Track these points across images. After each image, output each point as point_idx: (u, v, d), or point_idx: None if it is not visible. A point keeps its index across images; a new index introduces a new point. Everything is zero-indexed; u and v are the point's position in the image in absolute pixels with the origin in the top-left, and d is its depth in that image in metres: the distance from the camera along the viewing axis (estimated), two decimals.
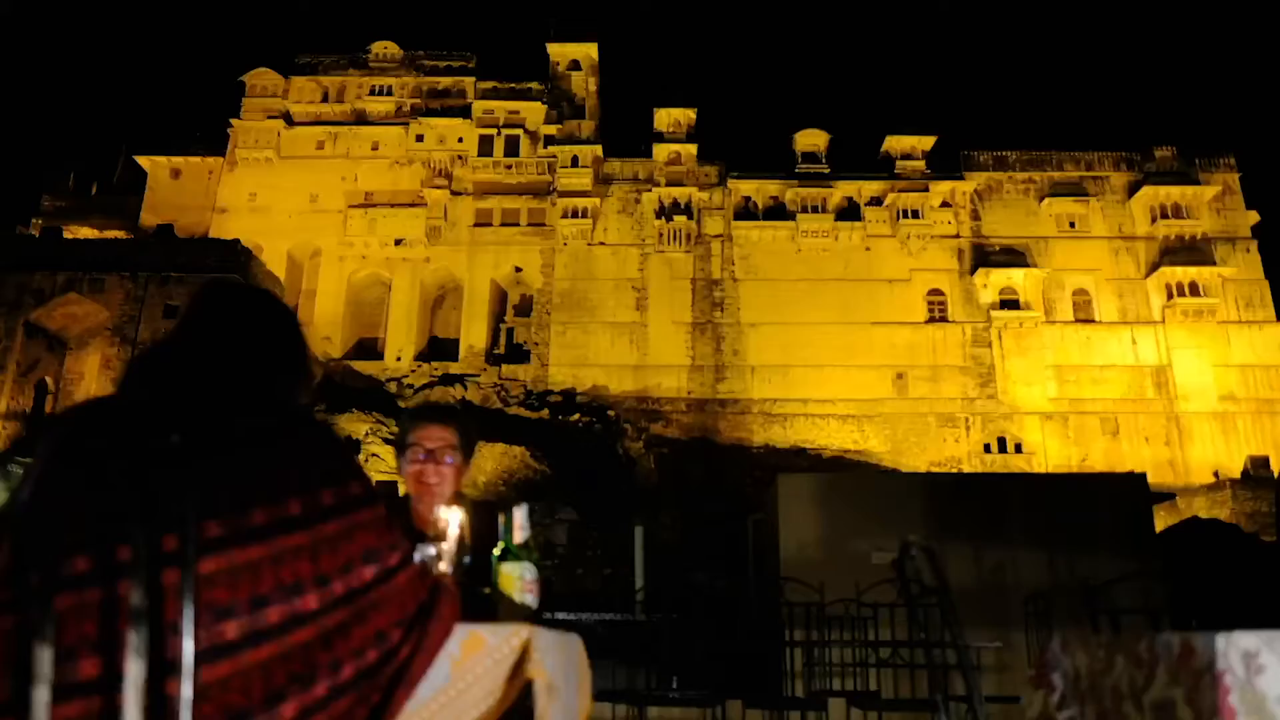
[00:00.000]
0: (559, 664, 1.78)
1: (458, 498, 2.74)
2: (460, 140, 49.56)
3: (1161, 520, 29.41)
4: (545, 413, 42.05)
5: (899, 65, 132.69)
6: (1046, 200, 47.72)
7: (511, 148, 49.64)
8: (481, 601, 2.07)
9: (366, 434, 38.91)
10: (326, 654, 1.34)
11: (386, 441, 38.43)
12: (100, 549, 1.25)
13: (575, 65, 52.63)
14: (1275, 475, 36.56)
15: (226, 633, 1.25)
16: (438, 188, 48.36)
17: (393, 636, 1.45)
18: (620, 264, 47.37)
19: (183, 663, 1.20)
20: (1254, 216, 47.85)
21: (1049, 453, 42.72)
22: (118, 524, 1.25)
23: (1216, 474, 40.06)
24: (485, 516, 2.56)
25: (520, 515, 2.11)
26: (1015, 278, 45.67)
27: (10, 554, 1.26)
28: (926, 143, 49.04)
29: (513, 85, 51.41)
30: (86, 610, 1.23)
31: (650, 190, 48.18)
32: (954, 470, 40.39)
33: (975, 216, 47.90)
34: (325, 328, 46.44)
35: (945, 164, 49.05)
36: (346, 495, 1.44)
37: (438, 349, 47.49)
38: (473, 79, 51.41)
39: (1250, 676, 1.37)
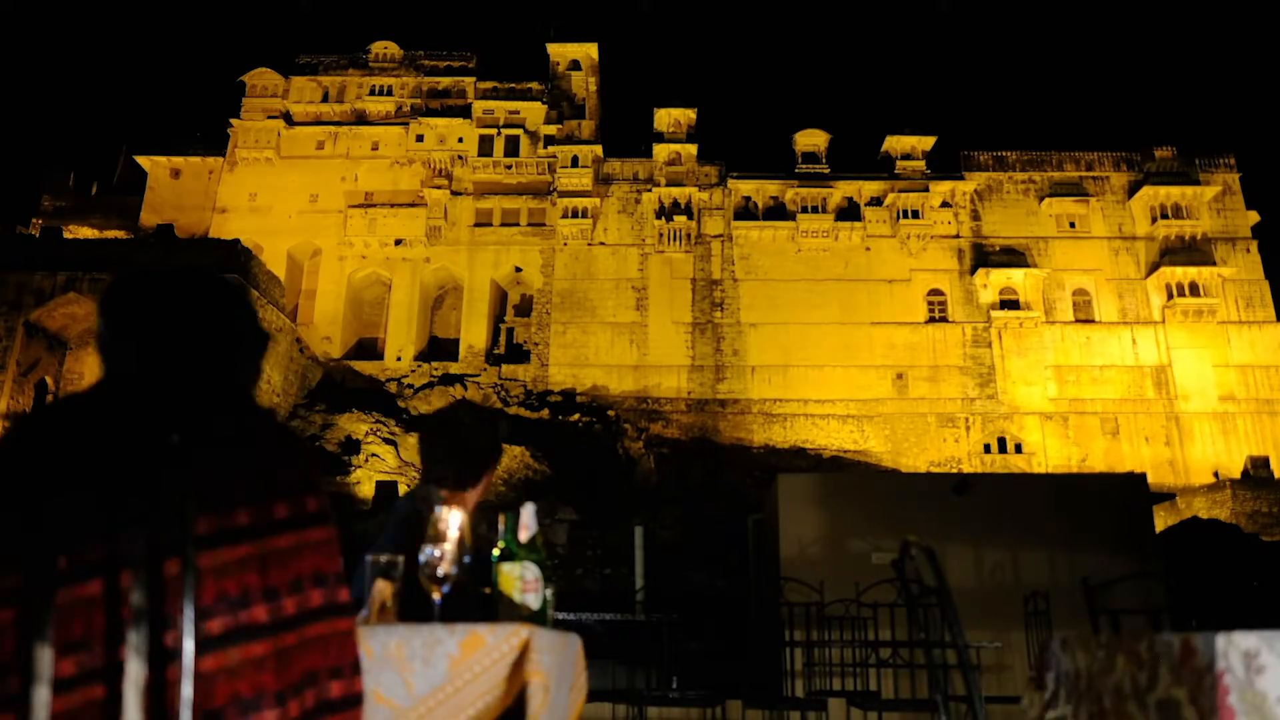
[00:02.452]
0: (555, 664, 1.78)
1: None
2: (460, 140, 49.57)
3: (1161, 520, 29.45)
4: (545, 413, 42.05)
5: (899, 65, 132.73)
6: (1046, 200, 47.72)
7: (511, 148, 49.65)
8: (482, 601, 2.07)
9: (366, 434, 38.91)
10: (276, 680, 1.28)
11: (386, 441, 38.43)
12: (102, 544, 1.25)
13: (575, 65, 52.64)
14: (1275, 476, 36.58)
15: (164, 642, 1.22)
16: (438, 188, 48.36)
17: (330, 688, 1.36)
18: (620, 264, 47.38)
19: (183, 658, 1.19)
20: (1254, 216, 47.85)
21: (1049, 453, 42.72)
22: (119, 521, 1.25)
23: (1216, 474, 40.08)
24: (485, 517, 2.57)
25: (527, 514, 2.10)
26: (1015, 278, 45.68)
27: (13, 546, 1.25)
28: (926, 143, 49.04)
29: (513, 85, 51.42)
30: (88, 604, 1.22)
31: (650, 190, 48.18)
32: (954, 470, 40.38)
33: (975, 216, 47.90)
34: (325, 328, 46.45)
35: (945, 164, 49.06)
36: (302, 510, 1.38)
37: (438, 349, 47.49)
38: (473, 79, 51.42)
39: (1250, 676, 1.37)
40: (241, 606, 1.28)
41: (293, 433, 1.52)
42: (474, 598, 2.11)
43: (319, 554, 1.39)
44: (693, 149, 48.88)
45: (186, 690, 1.18)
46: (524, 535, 2.09)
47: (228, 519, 1.31)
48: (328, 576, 1.39)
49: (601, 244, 47.79)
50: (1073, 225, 47.55)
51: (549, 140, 49.68)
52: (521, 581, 2.04)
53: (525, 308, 48.10)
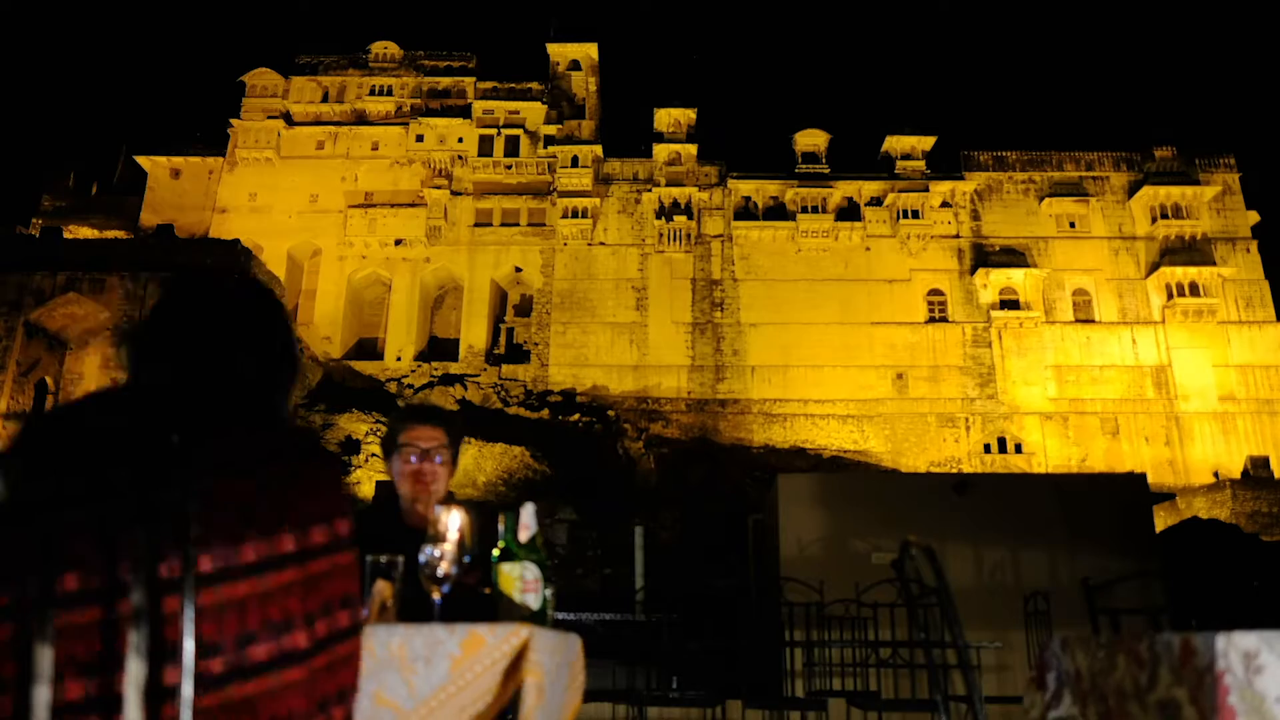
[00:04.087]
0: (554, 665, 1.79)
1: (448, 497, 2.76)
2: (460, 140, 49.57)
3: (1161, 520, 29.45)
4: (545, 413, 42.05)
5: (899, 65, 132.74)
6: (1046, 200, 47.73)
7: (511, 148, 49.65)
8: (482, 601, 2.07)
9: (366, 434, 38.91)
10: (307, 703, 1.30)
11: None
12: (101, 563, 1.22)
13: (575, 65, 52.65)
14: (1275, 476, 36.59)
15: (212, 668, 1.22)
16: (438, 188, 48.37)
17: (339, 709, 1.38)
18: (620, 264, 47.38)
19: (181, 694, 1.18)
20: (1254, 216, 47.86)
21: (1049, 453, 42.72)
22: (118, 534, 1.23)
23: (1216, 474, 40.08)
24: (485, 517, 2.56)
25: (527, 514, 2.10)
26: (1015, 278, 45.68)
27: (9, 561, 1.23)
28: (926, 143, 49.04)
29: (513, 85, 51.43)
30: (85, 628, 1.20)
31: (650, 190, 48.19)
32: (954, 470, 40.38)
33: (975, 216, 47.90)
34: (325, 328, 46.45)
35: (945, 164, 49.06)
36: (335, 534, 1.39)
37: (438, 349, 47.50)
38: (473, 79, 51.42)
39: (1250, 676, 1.37)
40: (285, 632, 1.28)
41: (326, 451, 1.51)
42: (473, 597, 2.10)
43: (348, 577, 1.40)
44: (693, 149, 48.88)
45: (186, 690, 1.18)
46: (524, 535, 2.08)
47: (274, 546, 1.31)
48: (352, 598, 1.40)
49: (601, 244, 47.79)
50: (1073, 225, 47.56)
51: (549, 140, 49.69)
52: (521, 581, 2.04)
53: (525, 308, 48.09)
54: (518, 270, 47.97)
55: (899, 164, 48.60)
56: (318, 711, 1.31)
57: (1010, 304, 45.44)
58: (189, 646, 1.19)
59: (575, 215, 47.76)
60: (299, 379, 1.62)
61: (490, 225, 48.43)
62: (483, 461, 37.57)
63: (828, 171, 48.76)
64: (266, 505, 1.32)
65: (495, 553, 2.08)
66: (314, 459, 1.44)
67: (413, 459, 2.70)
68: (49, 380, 38.51)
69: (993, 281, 45.73)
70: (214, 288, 1.58)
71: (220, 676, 1.22)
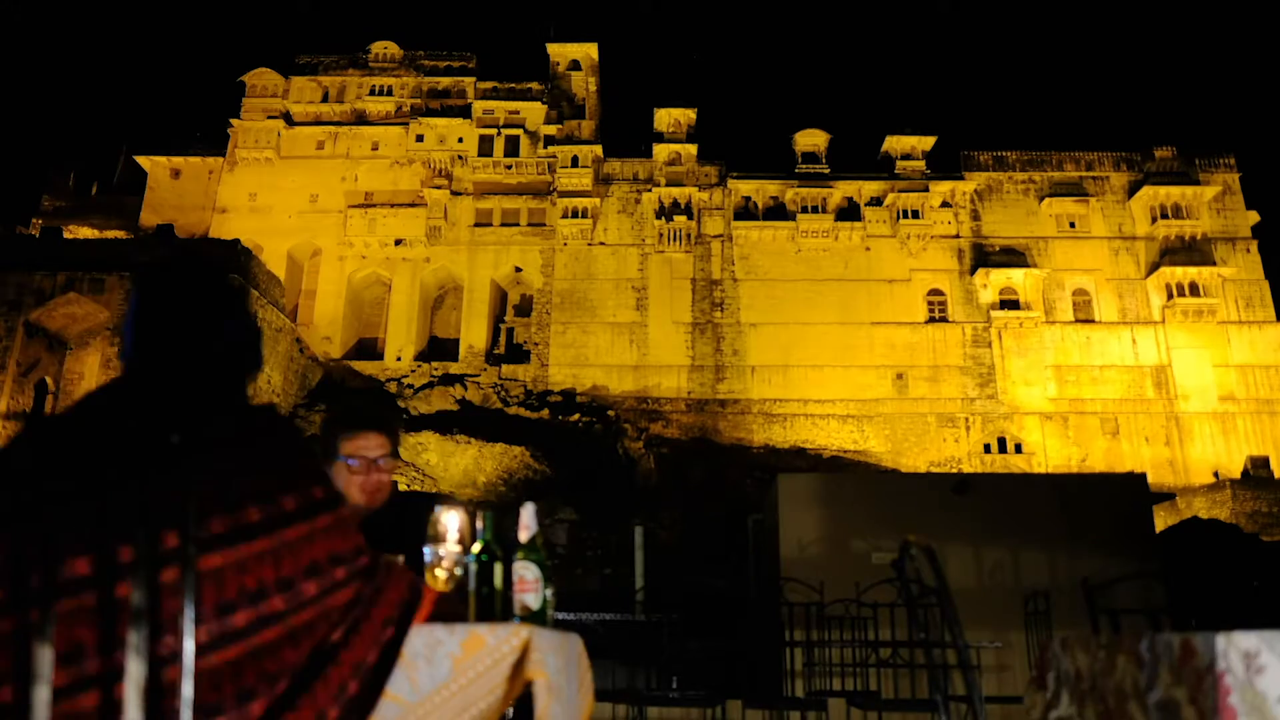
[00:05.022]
0: (560, 664, 1.79)
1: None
2: (460, 140, 49.57)
3: (1161, 520, 29.46)
4: (545, 413, 42.05)
5: (899, 65, 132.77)
6: (1046, 200, 47.73)
7: (511, 148, 49.65)
8: (481, 601, 2.07)
9: None
10: (294, 653, 1.37)
11: None
12: (101, 550, 1.25)
13: (575, 65, 52.66)
14: (1275, 476, 36.59)
15: (196, 637, 1.28)
16: (438, 188, 48.37)
17: (369, 645, 1.49)
18: (620, 264, 47.38)
19: (183, 661, 1.20)
20: (1254, 216, 47.86)
21: (1049, 453, 42.72)
22: (118, 525, 1.25)
23: (1216, 474, 40.09)
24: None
25: (527, 514, 2.10)
26: (1015, 278, 45.68)
27: (9, 556, 1.25)
28: (926, 143, 49.04)
29: (513, 85, 51.43)
30: (86, 611, 1.23)
31: (650, 190, 48.19)
32: (954, 470, 40.38)
33: (975, 216, 47.90)
34: (325, 328, 46.45)
35: (945, 164, 49.07)
36: (309, 500, 1.46)
37: (438, 349, 47.50)
38: (473, 79, 51.43)
39: (1250, 676, 1.37)
40: (261, 599, 1.35)
41: (292, 424, 1.58)
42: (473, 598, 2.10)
43: (332, 536, 1.46)
44: (693, 149, 48.89)
45: (187, 689, 1.19)
46: (524, 535, 2.09)
47: (240, 518, 1.37)
48: (344, 555, 1.47)
49: (601, 244, 47.80)
50: (1073, 225, 47.56)
51: (549, 140, 49.69)
52: (519, 581, 2.04)
53: (525, 308, 48.10)
54: (518, 270, 47.97)
55: (899, 164, 48.60)
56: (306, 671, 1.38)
57: (1010, 304, 45.45)
58: (189, 646, 1.20)
59: (575, 215, 47.75)
60: (262, 349, 1.71)
61: (490, 225, 48.44)
62: (483, 461, 37.57)
63: (828, 171, 48.76)
64: (227, 481, 1.39)
65: (474, 550, 2.07)
66: (272, 433, 1.51)
67: (357, 466, 2.60)
68: (49, 380, 38.50)
69: (993, 281, 45.73)
70: (177, 278, 1.64)
71: (203, 645, 1.28)
